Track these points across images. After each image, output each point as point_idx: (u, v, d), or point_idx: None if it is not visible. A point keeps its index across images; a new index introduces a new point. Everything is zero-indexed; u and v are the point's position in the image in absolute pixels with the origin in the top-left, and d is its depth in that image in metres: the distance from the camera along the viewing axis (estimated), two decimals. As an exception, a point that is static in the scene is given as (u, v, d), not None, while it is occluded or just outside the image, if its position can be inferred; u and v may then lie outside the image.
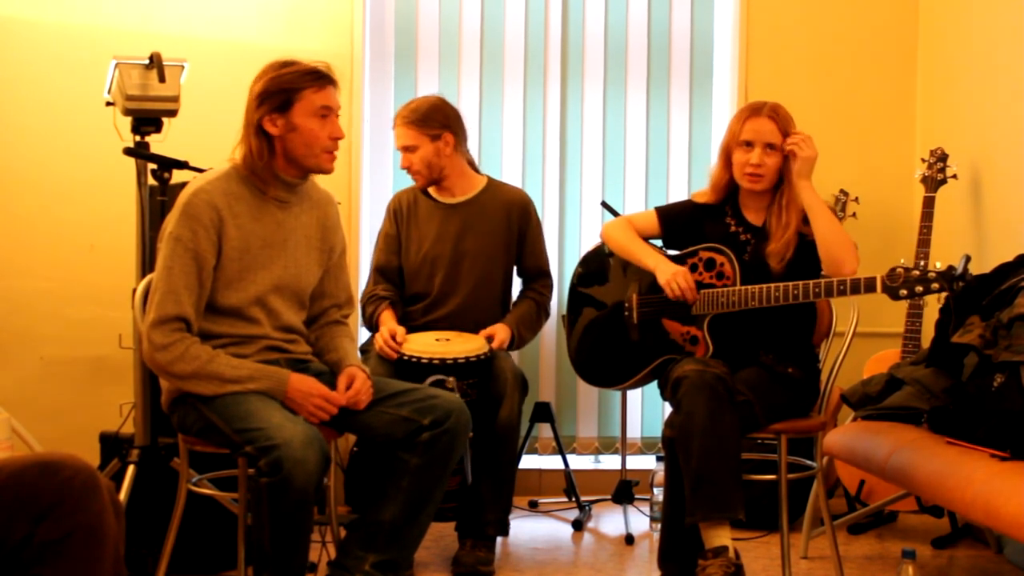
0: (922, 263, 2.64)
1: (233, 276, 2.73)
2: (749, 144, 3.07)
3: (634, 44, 4.50)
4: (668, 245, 3.29)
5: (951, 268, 2.56)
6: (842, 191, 4.29)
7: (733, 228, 3.17)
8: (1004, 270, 3.34)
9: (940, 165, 3.90)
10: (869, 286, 2.79)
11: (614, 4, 4.48)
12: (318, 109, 2.74)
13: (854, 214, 4.28)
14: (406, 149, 3.58)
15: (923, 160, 3.96)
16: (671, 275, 3.10)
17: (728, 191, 3.20)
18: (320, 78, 2.75)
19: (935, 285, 2.59)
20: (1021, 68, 3.68)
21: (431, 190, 3.67)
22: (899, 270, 2.69)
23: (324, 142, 2.76)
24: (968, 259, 2.83)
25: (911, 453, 3.00)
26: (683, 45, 4.51)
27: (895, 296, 2.75)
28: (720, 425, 2.83)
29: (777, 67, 4.45)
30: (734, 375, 2.94)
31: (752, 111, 3.11)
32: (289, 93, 2.72)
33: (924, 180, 3.92)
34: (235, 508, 2.95)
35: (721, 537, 2.84)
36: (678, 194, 4.53)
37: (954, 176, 3.89)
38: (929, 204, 3.89)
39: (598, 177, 4.51)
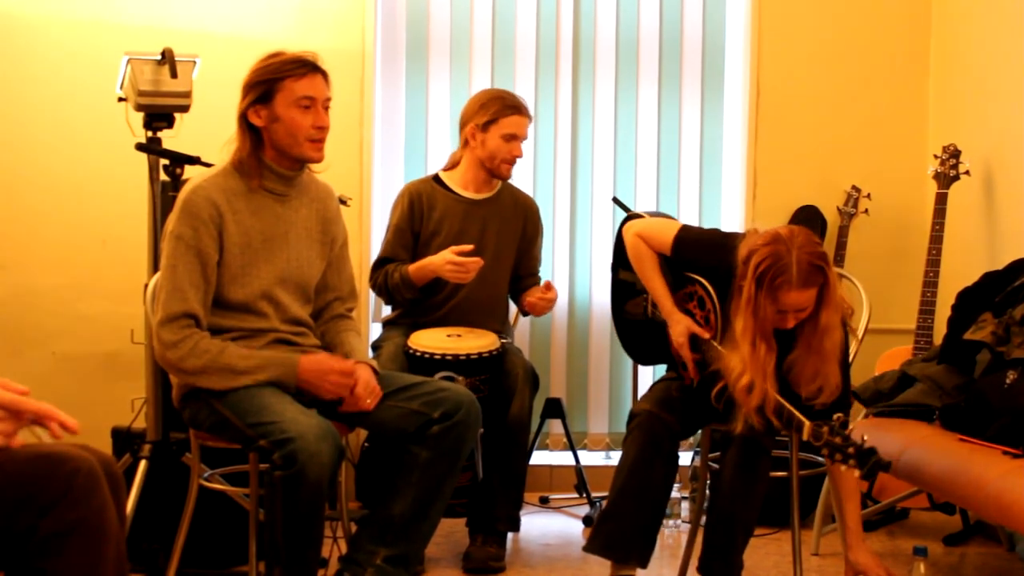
0: (851, 433, 2.54)
1: (237, 271, 2.73)
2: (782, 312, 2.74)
3: (646, 40, 4.48)
4: (673, 262, 3.03)
5: (872, 451, 2.48)
6: (854, 187, 4.27)
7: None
8: (1017, 267, 3.33)
9: (953, 161, 3.88)
10: (799, 428, 2.66)
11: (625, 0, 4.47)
12: (300, 99, 2.70)
13: (866, 210, 4.27)
14: (522, 139, 3.61)
15: (936, 156, 3.94)
16: (683, 338, 2.95)
17: None
18: (301, 67, 2.72)
19: (852, 461, 2.52)
20: (1035, 64, 3.67)
21: (454, 184, 3.64)
22: (824, 428, 2.58)
23: (308, 131, 2.72)
24: (890, 465, 2.70)
25: (923, 450, 2.99)
26: (695, 40, 4.50)
27: (818, 452, 2.68)
28: (648, 473, 2.85)
29: (789, 62, 4.44)
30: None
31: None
32: (271, 83, 2.70)
33: (937, 176, 3.90)
34: (247, 503, 2.95)
35: None
36: (689, 190, 4.52)
37: (967, 172, 3.88)
38: (942, 200, 3.87)
39: (609, 173, 4.50)
